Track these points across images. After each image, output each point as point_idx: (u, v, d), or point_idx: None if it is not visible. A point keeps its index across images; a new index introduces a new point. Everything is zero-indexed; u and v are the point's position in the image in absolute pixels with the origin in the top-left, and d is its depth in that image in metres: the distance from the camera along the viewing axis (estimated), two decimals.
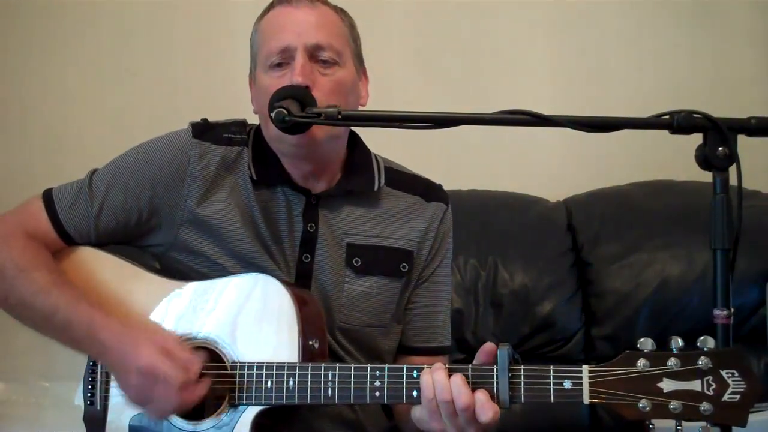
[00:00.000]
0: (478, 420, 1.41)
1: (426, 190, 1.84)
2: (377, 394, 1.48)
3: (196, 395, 1.51)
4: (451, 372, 1.44)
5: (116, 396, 1.63)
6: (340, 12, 1.74)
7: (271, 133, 1.66)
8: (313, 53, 1.64)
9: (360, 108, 1.75)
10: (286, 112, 1.47)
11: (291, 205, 1.73)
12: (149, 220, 1.71)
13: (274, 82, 1.63)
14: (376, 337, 1.77)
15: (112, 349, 1.55)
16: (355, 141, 1.81)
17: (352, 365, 1.51)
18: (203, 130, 1.72)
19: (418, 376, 1.47)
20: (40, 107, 2.90)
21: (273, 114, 1.48)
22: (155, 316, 1.65)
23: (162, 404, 1.52)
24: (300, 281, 1.71)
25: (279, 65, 1.65)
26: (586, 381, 1.38)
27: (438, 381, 1.44)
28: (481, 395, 1.41)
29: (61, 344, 1.62)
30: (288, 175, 1.72)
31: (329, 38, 1.66)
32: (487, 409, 1.41)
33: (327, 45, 1.65)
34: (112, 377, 1.63)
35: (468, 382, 1.43)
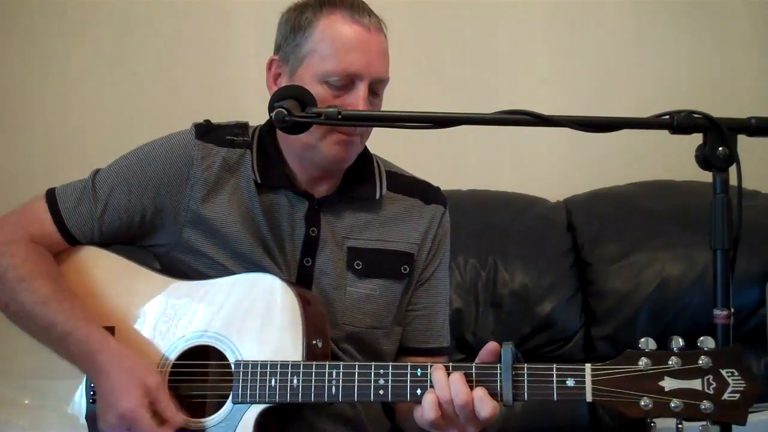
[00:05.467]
0: (477, 416, 1.42)
1: (425, 192, 1.84)
2: (381, 392, 1.49)
3: None
4: (453, 370, 1.45)
5: None
6: (386, 30, 1.72)
7: (304, 139, 1.63)
8: (374, 84, 1.65)
9: None
10: (285, 111, 1.47)
11: (293, 208, 1.73)
12: (152, 221, 1.71)
13: (328, 99, 1.60)
14: (377, 338, 1.78)
15: (104, 379, 1.55)
16: None
17: (356, 363, 1.52)
18: (206, 131, 1.72)
19: (422, 375, 1.47)
20: (40, 107, 2.90)
21: (273, 114, 1.48)
22: (158, 315, 1.65)
23: None
24: (300, 284, 1.71)
25: (338, 85, 1.62)
26: (588, 379, 1.39)
27: (437, 380, 1.45)
28: (480, 391, 1.42)
29: (60, 356, 1.62)
30: (291, 179, 1.72)
31: (387, 72, 1.68)
32: (486, 405, 1.42)
33: (385, 79, 1.68)
34: None
35: (471, 380, 1.44)
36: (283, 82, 1.69)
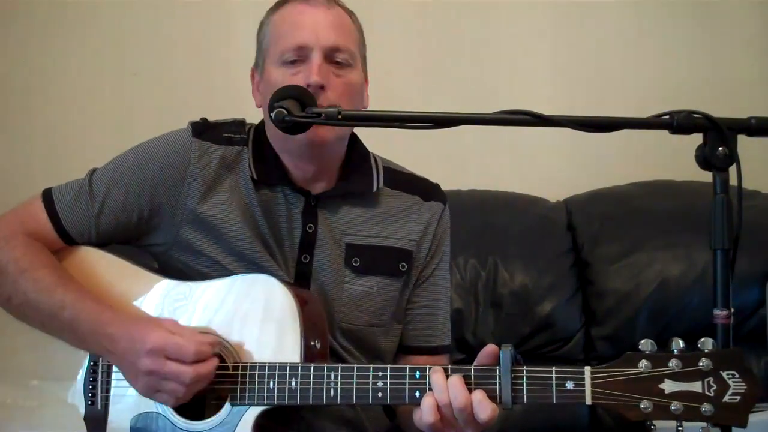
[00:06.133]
0: (476, 419, 1.42)
1: (424, 189, 1.84)
2: (380, 394, 1.48)
3: (209, 368, 1.50)
4: (452, 373, 1.45)
5: (117, 395, 1.63)
6: (352, 15, 1.76)
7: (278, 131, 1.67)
8: (329, 54, 1.66)
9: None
10: (285, 111, 1.47)
11: (290, 205, 1.73)
12: (149, 220, 1.71)
13: (287, 78, 1.64)
14: (376, 336, 1.77)
15: (121, 340, 1.54)
16: (354, 141, 1.81)
17: (355, 365, 1.51)
18: (203, 129, 1.72)
19: (421, 377, 1.47)
20: (40, 107, 2.90)
21: (273, 114, 1.48)
22: (155, 316, 1.64)
23: (175, 383, 1.49)
24: (299, 281, 1.71)
25: (293, 62, 1.66)
26: (588, 382, 1.39)
27: (436, 383, 1.44)
28: (478, 394, 1.42)
29: (66, 342, 1.62)
30: (288, 176, 1.72)
31: (345, 40, 1.68)
32: (485, 407, 1.41)
33: (343, 47, 1.67)
34: (114, 377, 1.63)
35: (470, 383, 1.44)
36: (261, 84, 1.73)
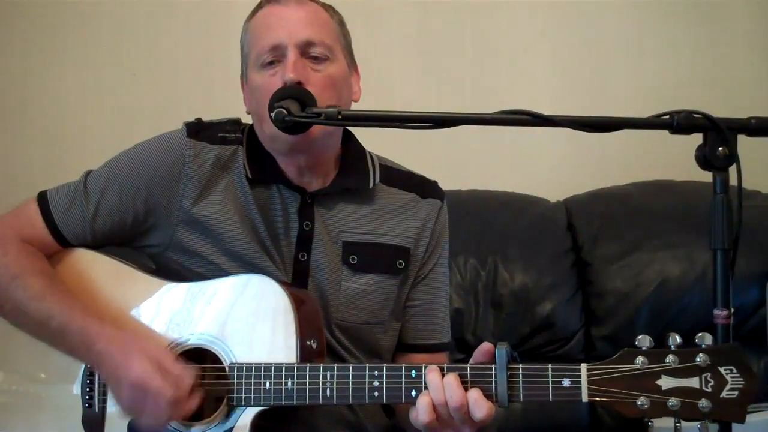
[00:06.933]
0: (472, 418, 1.42)
1: (421, 186, 1.84)
2: (376, 394, 1.48)
3: (186, 410, 1.51)
4: (447, 371, 1.45)
5: None
6: (329, 9, 1.75)
7: (266, 132, 1.67)
8: (305, 49, 1.65)
9: (353, 103, 1.76)
10: (286, 111, 1.47)
11: (286, 203, 1.72)
12: (145, 221, 1.70)
13: (267, 80, 1.64)
14: (374, 334, 1.77)
15: (106, 360, 1.54)
16: (348, 138, 1.81)
17: (351, 365, 1.51)
18: (197, 129, 1.72)
19: (417, 376, 1.47)
20: (40, 107, 2.90)
21: (273, 114, 1.48)
22: (151, 318, 1.64)
23: (153, 418, 1.51)
24: (297, 280, 1.71)
25: (271, 63, 1.66)
26: (584, 379, 1.38)
27: (431, 382, 1.44)
28: (474, 393, 1.42)
29: (57, 351, 1.60)
30: (283, 174, 1.72)
31: (319, 34, 1.67)
32: (481, 406, 1.41)
33: (318, 41, 1.66)
34: None
35: (466, 381, 1.43)
36: (247, 91, 1.73)
